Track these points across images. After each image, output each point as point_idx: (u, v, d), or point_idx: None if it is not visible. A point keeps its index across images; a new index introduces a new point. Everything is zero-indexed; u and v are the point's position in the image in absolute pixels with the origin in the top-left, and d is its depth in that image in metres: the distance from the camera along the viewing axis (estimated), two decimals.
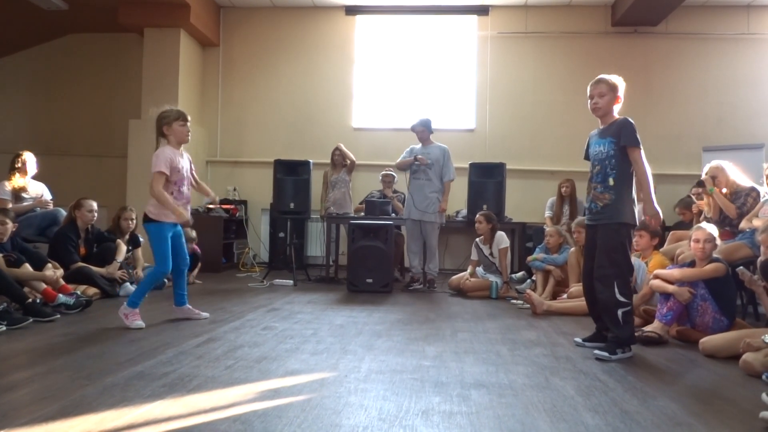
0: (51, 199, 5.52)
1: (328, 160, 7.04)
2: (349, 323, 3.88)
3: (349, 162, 6.77)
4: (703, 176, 4.62)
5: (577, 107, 7.24)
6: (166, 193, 3.63)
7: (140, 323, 3.54)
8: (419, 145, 5.97)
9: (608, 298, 3.11)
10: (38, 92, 8.53)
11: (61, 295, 4.01)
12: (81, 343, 3.11)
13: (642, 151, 3.14)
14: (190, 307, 3.93)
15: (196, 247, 5.92)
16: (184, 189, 3.76)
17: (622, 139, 3.12)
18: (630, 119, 3.18)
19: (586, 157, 3.40)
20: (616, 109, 3.24)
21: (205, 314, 3.95)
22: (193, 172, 3.92)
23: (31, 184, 5.43)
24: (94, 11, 7.52)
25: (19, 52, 8.55)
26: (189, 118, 3.77)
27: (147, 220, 3.65)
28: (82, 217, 4.91)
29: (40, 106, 8.47)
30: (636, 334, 3.26)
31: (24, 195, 5.31)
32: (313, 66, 8.10)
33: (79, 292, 4.27)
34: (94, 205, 5.01)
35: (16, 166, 5.32)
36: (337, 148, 6.84)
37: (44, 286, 4.01)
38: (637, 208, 3.28)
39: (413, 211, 5.80)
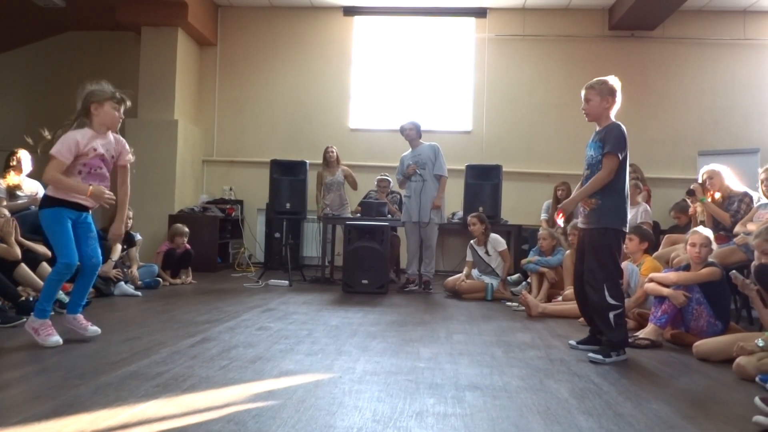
0: None
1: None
2: (344, 324, 3.88)
3: (351, 180, 6.84)
4: (699, 179, 4.65)
5: (573, 110, 7.22)
6: (74, 175, 3.08)
7: (56, 339, 3.00)
8: (408, 151, 5.98)
9: (599, 301, 3.12)
10: (35, 89, 8.51)
11: (61, 292, 4.02)
12: (74, 342, 3.10)
13: (620, 161, 3.09)
14: (81, 318, 3.24)
15: (188, 245, 5.91)
16: (102, 173, 3.19)
17: (606, 144, 3.12)
18: (620, 125, 3.17)
19: None
20: (613, 112, 3.23)
21: (94, 328, 3.24)
22: (128, 164, 3.38)
23: (26, 181, 5.40)
24: (91, 9, 7.50)
25: (16, 49, 8.54)
26: (128, 104, 3.31)
27: (42, 204, 3.12)
28: None
29: (37, 104, 8.43)
30: (629, 340, 3.27)
31: (19, 193, 5.29)
32: (310, 66, 8.10)
33: None
34: None
35: (11, 163, 5.30)
36: (332, 149, 6.84)
37: (42, 284, 4.02)
38: (630, 214, 3.30)
39: (410, 213, 5.79)
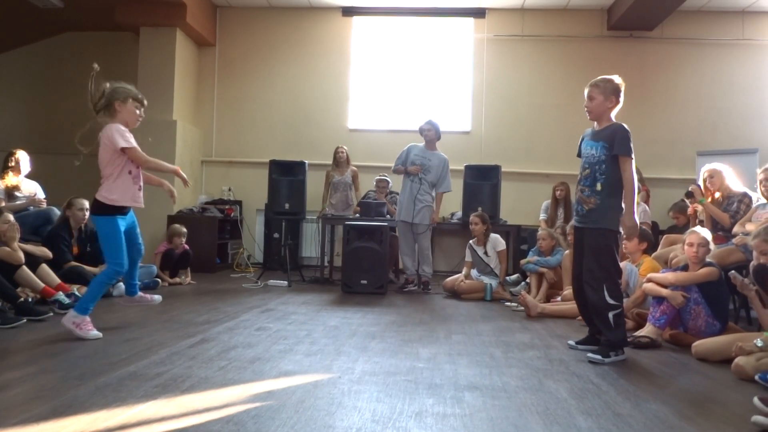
0: (44, 198, 5.50)
1: (324, 161, 7.05)
2: (343, 324, 3.88)
3: (356, 183, 6.85)
4: (701, 179, 4.66)
5: (572, 110, 7.28)
6: (125, 175, 3.30)
7: (96, 333, 3.22)
8: (422, 144, 5.93)
9: (598, 301, 3.12)
10: (33, 90, 8.51)
11: (61, 293, 4.03)
12: (74, 343, 3.09)
13: (633, 161, 3.12)
14: (142, 294, 3.75)
15: (186, 246, 5.90)
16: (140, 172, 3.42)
17: (615, 147, 3.10)
18: (625, 126, 3.15)
19: (579, 155, 3.36)
20: (614, 112, 3.22)
21: (158, 297, 3.88)
22: None
23: (24, 182, 5.40)
24: (90, 10, 7.50)
25: (15, 49, 8.53)
26: (146, 104, 3.43)
27: (98, 210, 3.28)
28: (74, 216, 4.89)
29: (35, 105, 8.44)
30: (629, 339, 3.27)
31: (17, 194, 5.29)
32: (309, 67, 8.10)
33: (77, 292, 4.26)
34: (86, 203, 4.96)
35: (10, 164, 5.30)
36: (342, 149, 6.85)
37: (42, 285, 4.03)
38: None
39: (404, 213, 5.79)
